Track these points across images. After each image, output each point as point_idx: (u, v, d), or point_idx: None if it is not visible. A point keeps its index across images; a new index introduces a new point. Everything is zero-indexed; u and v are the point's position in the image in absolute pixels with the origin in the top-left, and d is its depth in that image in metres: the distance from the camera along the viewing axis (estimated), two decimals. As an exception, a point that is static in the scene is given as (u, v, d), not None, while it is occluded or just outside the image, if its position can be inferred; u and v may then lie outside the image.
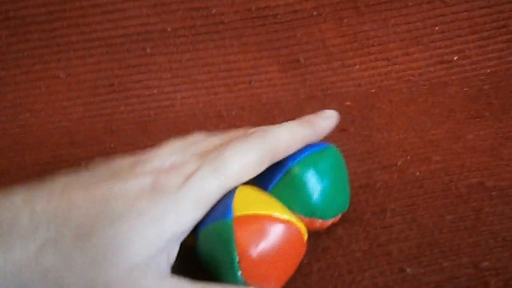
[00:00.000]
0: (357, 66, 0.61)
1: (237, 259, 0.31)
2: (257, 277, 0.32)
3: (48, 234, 0.29)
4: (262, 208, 0.33)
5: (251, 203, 0.33)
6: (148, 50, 0.59)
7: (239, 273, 0.31)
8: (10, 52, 0.59)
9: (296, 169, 0.36)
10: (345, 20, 0.60)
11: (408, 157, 0.46)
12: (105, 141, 0.55)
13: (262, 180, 0.37)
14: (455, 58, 0.61)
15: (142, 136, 0.55)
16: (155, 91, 0.59)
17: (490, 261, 0.35)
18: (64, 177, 0.33)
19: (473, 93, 0.56)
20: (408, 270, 0.35)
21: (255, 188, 0.36)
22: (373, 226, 0.39)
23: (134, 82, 0.59)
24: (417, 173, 0.44)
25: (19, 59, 0.59)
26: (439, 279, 0.34)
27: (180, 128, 0.56)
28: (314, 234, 0.38)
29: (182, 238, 0.32)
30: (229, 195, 0.34)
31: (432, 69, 0.61)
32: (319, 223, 0.37)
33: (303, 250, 0.34)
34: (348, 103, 0.57)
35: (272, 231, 0.32)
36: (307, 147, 0.37)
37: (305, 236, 0.34)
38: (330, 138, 0.49)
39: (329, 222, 0.38)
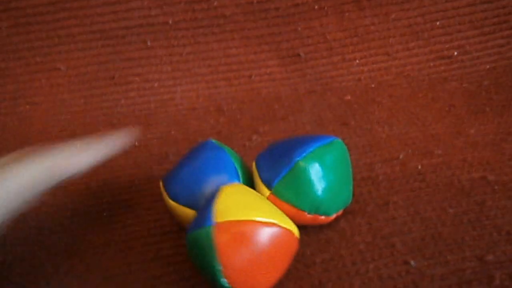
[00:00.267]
0: (357, 61, 0.61)
1: (220, 267, 0.31)
2: (244, 283, 0.32)
3: None
4: (245, 213, 0.32)
5: (234, 207, 0.33)
6: (149, 43, 0.59)
7: (224, 280, 0.31)
8: (10, 43, 0.58)
9: (301, 165, 0.36)
10: (346, 14, 0.60)
11: (410, 151, 0.46)
12: (106, 134, 0.54)
13: (268, 174, 0.37)
14: (455, 53, 0.61)
15: (143, 129, 0.55)
16: (155, 84, 0.59)
17: (495, 255, 0.35)
18: None
19: (473, 88, 0.57)
20: (412, 262, 0.35)
21: (242, 189, 0.35)
22: (376, 218, 0.39)
23: (135, 75, 0.59)
24: (419, 167, 0.44)
25: (19, 51, 0.58)
26: (444, 272, 0.34)
27: (180, 121, 0.56)
28: (316, 226, 0.38)
29: None
30: (211, 200, 0.33)
31: (432, 64, 0.61)
32: (322, 218, 0.37)
33: (293, 249, 0.34)
34: (348, 97, 0.57)
35: (255, 236, 0.31)
36: (313, 140, 0.37)
37: (296, 234, 0.34)
38: (332, 131, 0.49)
39: (333, 217, 0.38)
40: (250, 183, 0.38)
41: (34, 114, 0.58)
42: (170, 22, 0.59)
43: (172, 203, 0.37)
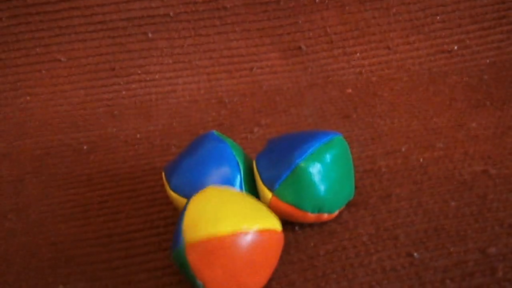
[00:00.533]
0: (358, 54, 0.61)
1: (201, 284, 0.31)
2: None
3: None
4: (214, 226, 0.31)
5: (203, 221, 0.31)
6: (150, 35, 0.59)
7: None
8: (11, 34, 0.58)
9: (303, 167, 0.35)
10: (347, 8, 0.60)
11: (412, 144, 0.46)
12: (107, 126, 0.54)
13: (269, 176, 0.36)
14: (455, 47, 0.61)
15: (145, 121, 0.55)
16: (156, 76, 0.59)
17: (497, 247, 0.35)
18: None
19: (473, 82, 0.57)
20: (415, 254, 0.35)
21: (213, 194, 0.34)
22: (379, 211, 0.39)
23: (136, 66, 0.59)
24: (421, 160, 0.44)
25: (19, 42, 0.58)
26: (447, 264, 0.34)
27: (182, 113, 0.56)
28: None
29: None
30: (180, 216, 0.32)
31: (432, 58, 0.61)
32: (325, 216, 0.37)
33: (276, 246, 0.33)
34: (349, 90, 0.57)
35: (228, 250, 0.30)
36: (313, 139, 0.37)
37: (278, 229, 0.33)
38: (334, 124, 0.49)
39: (336, 213, 0.38)
40: (251, 176, 0.38)
41: (34, 105, 0.58)
42: (171, 14, 0.59)
43: (173, 194, 0.37)
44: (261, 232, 0.31)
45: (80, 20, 0.58)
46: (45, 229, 0.41)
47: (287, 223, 0.38)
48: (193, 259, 0.30)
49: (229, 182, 0.37)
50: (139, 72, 0.59)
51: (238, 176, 0.37)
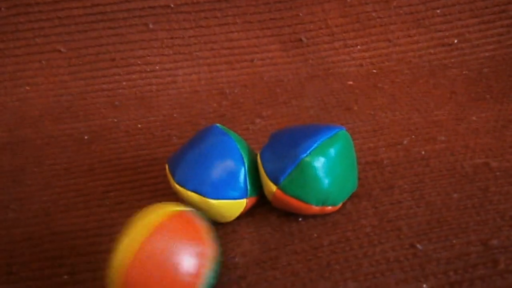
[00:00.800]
0: (358, 47, 0.61)
1: None
2: None
3: None
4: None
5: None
6: (151, 26, 0.59)
7: None
8: (10, 24, 0.58)
9: (307, 161, 0.36)
10: (348, 0, 0.60)
11: (413, 136, 0.46)
12: (108, 116, 0.54)
13: (274, 170, 0.37)
14: (455, 41, 0.61)
15: (145, 111, 0.55)
16: (157, 67, 0.59)
17: (499, 239, 0.35)
18: None
19: (473, 76, 0.57)
20: (418, 246, 0.35)
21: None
22: (382, 202, 0.39)
23: (136, 57, 0.59)
24: (423, 152, 0.44)
25: (19, 32, 0.58)
26: (449, 256, 0.34)
27: (182, 104, 0.56)
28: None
29: None
30: None
31: (432, 51, 0.61)
32: (329, 208, 0.38)
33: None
34: (350, 82, 0.57)
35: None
36: (318, 133, 0.37)
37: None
38: (335, 116, 0.49)
39: (339, 206, 0.38)
40: (255, 169, 0.38)
41: (34, 95, 0.58)
42: (172, 5, 0.59)
43: (178, 187, 0.37)
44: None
45: (80, 11, 0.58)
46: (48, 219, 0.41)
47: (290, 214, 0.38)
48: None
49: (233, 175, 0.37)
50: (140, 62, 0.59)
51: (242, 169, 0.37)
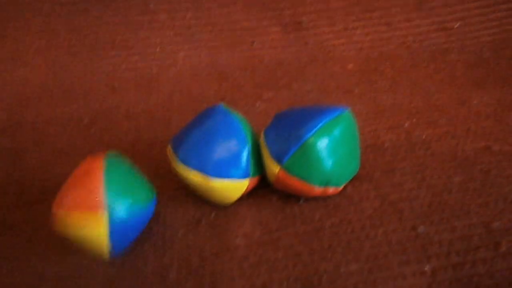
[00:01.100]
0: (359, 30, 0.61)
1: None
2: None
3: None
4: None
5: None
6: (151, 6, 0.59)
7: None
8: (10, 4, 0.58)
9: (311, 142, 0.36)
10: (349, -17, 0.60)
11: (414, 120, 0.46)
12: (108, 98, 0.54)
13: (278, 150, 0.37)
14: (456, 25, 0.61)
15: (145, 93, 0.54)
16: (157, 49, 0.59)
17: (501, 222, 0.35)
18: None
19: (473, 60, 0.57)
20: (420, 228, 0.35)
21: None
22: (383, 185, 0.39)
23: (136, 39, 0.59)
24: (424, 136, 0.44)
25: (19, 11, 0.58)
26: (451, 238, 0.34)
27: (182, 87, 0.55)
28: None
29: None
30: None
31: (432, 35, 0.61)
32: (331, 190, 0.37)
33: None
34: (350, 66, 0.57)
35: None
36: (322, 113, 0.37)
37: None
38: (336, 99, 0.49)
39: (341, 188, 0.38)
40: (257, 150, 0.38)
41: (33, 76, 0.57)
42: (172, -14, 0.59)
43: (180, 166, 0.37)
44: None
45: (80, -9, 0.58)
46: (47, 201, 0.41)
47: (292, 197, 0.38)
48: None
49: (237, 154, 0.37)
50: (140, 44, 0.58)
51: (246, 149, 0.37)
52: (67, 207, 0.33)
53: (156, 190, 0.38)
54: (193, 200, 0.39)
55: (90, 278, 0.34)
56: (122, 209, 0.34)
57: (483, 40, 0.60)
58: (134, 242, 0.37)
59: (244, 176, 0.37)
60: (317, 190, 0.37)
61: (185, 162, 0.37)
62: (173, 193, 0.41)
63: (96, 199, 0.33)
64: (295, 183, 0.36)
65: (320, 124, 0.36)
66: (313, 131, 0.36)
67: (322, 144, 0.36)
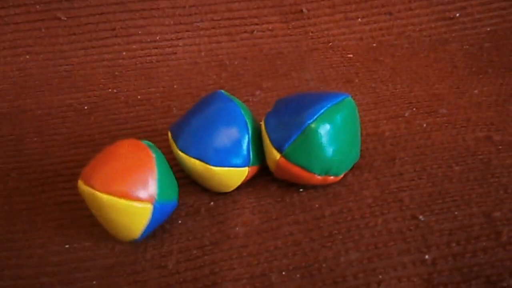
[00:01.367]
0: (359, 20, 0.61)
1: None
2: None
3: None
4: None
5: None
6: (152, -7, 0.58)
7: None
8: (10, -8, 0.57)
9: (313, 128, 0.35)
10: (349, -28, 0.60)
11: (414, 109, 0.46)
12: (108, 87, 0.54)
13: (278, 137, 0.36)
14: (457, 15, 0.61)
15: (145, 82, 0.54)
16: (157, 37, 0.58)
17: (502, 211, 0.35)
18: None
19: (474, 50, 0.57)
20: (420, 217, 0.35)
21: None
22: (383, 174, 0.39)
23: (137, 27, 0.58)
24: (424, 125, 0.44)
25: (19, 0, 0.57)
26: (452, 227, 0.34)
27: (182, 75, 0.55)
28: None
29: None
30: None
31: (433, 25, 0.61)
32: (332, 178, 0.37)
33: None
34: (350, 55, 0.57)
35: None
36: (324, 99, 0.37)
37: None
38: (336, 88, 0.49)
39: (341, 176, 0.38)
40: (257, 138, 0.38)
41: (34, 64, 0.57)
42: (173, -26, 0.58)
43: (181, 154, 0.37)
44: None
45: (80, -21, 0.57)
46: (48, 188, 0.41)
47: (292, 185, 0.38)
48: None
49: (238, 141, 0.37)
50: (140, 32, 0.58)
51: (246, 136, 0.37)
52: (115, 193, 0.32)
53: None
54: (193, 188, 0.39)
55: (90, 266, 0.34)
56: (166, 203, 0.34)
57: (484, 30, 0.60)
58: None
59: (244, 164, 0.37)
60: (318, 178, 0.36)
61: (185, 150, 0.37)
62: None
63: (150, 192, 0.33)
64: (295, 171, 0.36)
65: (322, 110, 0.36)
66: (315, 117, 0.35)
67: (324, 130, 0.35)
